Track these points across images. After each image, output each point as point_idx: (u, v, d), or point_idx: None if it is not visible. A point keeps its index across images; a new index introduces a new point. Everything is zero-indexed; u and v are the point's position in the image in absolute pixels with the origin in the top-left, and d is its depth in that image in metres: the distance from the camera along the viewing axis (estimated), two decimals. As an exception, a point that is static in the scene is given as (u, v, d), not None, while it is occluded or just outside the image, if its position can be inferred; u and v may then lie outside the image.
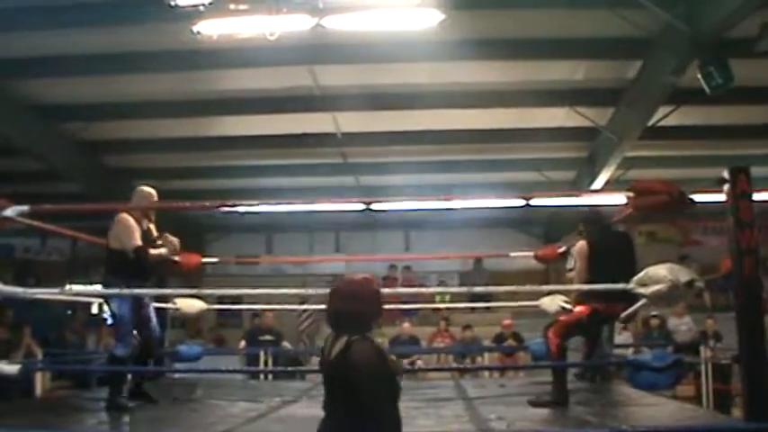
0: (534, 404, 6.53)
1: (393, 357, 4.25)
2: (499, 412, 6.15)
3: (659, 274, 5.34)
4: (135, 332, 7.07)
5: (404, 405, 6.08)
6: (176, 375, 10.02)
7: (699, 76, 9.33)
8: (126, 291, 6.69)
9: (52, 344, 12.69)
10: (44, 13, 9.22)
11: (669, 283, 5.24)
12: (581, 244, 7.02)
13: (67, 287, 12.70)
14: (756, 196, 4.69)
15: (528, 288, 7.92)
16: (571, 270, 7.37)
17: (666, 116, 12.09)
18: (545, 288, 8.35)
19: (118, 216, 7.05)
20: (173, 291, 8.60)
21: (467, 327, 15.24)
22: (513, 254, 11.04)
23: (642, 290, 5.49)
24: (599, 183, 14.67)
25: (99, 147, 14.66)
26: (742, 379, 4.64)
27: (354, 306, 3.98)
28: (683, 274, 5.29)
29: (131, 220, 6.99)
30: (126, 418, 6.64)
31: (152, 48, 10.33)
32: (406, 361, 14.05)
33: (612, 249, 6.86)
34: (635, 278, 5.56)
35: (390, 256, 18.16)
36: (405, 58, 10.56)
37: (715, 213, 5.05)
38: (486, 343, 14.76)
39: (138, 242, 6.86)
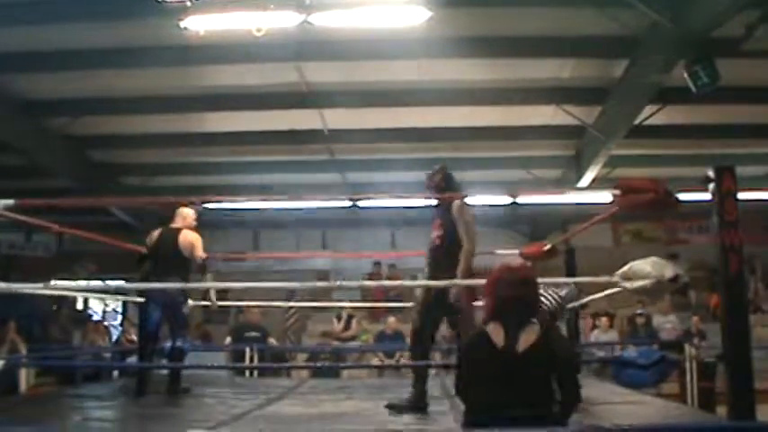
0: (392, 408, 6.21)
1: None
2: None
3: (644, 270, 5.35)
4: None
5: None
6: (163, 372, 9.98)
7: (685, 75, 9.36)
8: (112, 285, 6.72)
9: (37, 339, 12.63)
10: (28, 8, 9.17)
11: (654, 280, 5.26)
12: (458, 202, 6.57)
13: (53, 282, 12.63)
14: (741, 195, 4.71)
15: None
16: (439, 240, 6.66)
17: (653, 115, 12.15)
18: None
19: (187, 230, 8.31)
20: (158, 285, 8.55)
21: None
22: (498, 251, 11.05)
23: (627, 284, 5.50)
24: (585, 181, 14.72)
25: (85, 142, 14.61)
26: (726, 377, 4.66)
27: (531, 291, 4.05)
28: (668, 270, 5.30)
29: None
30: (111, 415, 6.63)
31: (139, 43, 10.28)
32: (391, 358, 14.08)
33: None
34: (619, 272, 5.57)
35: (377, 254, 18.14)
36: (392, 55, 10.56)
37: (701, 212, 5.07)
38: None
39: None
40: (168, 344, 8.36)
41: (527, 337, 3.86)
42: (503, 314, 3.92)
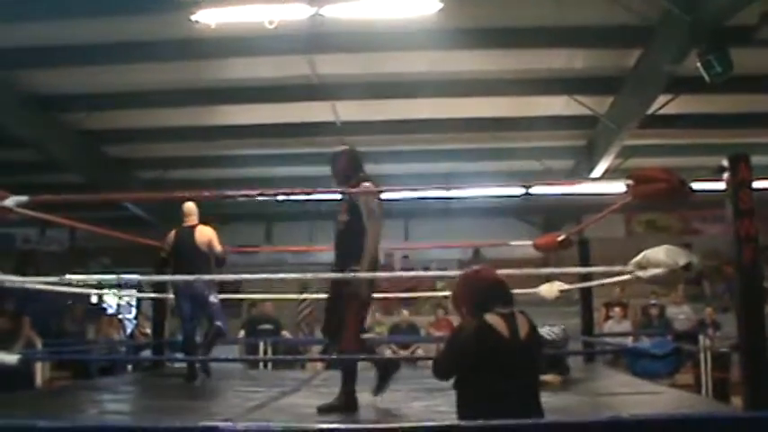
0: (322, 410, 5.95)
1: None
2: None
3: (658, 258, 5.34)
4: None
5: (401, 394, 6.11)
6: (176, 365, 10.04)
7: (698, 64, 9.32)
8: (126, 277, 6.79)
9: (52, 334, 12.70)
10: (44, 3, 9.20)
11: (667, 268, 5.25)
12: (363, 186, 6.24)
13: (67, 277, 12.69)
14: (756, 185, 4.69)
15: (526, 271, 7.75)
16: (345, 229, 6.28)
17: (666, 104, 12.09)
18: (544, 271, 8.30)
19: (202, 226, 8.71)
20: (171, 278, 8.65)
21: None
22: (512, 242, 11.04)
23: (641, 273, 5.49)
24: (598, 171, 14.68)
25: (100, 137, 14.65)
26: (742, 368, 4.65)
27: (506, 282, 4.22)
28: (681, 257, 5.28)
29: None
30: (127, 408, 6.66)
31: (151, 37, 10.31)
32: (405, 350, 14.11)
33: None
34: (633, 260, 5.56)
35: (390, 246, 18.14)
36: (403, 46, 10.56)
37: (715, 202, 5.04)
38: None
39: None
40: (180, 337, 8.59)
41: (522, 325, 4.00)
42: (495, 304, 4.00)
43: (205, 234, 8.63)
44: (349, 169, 6.43)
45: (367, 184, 6.24)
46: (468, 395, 3.98)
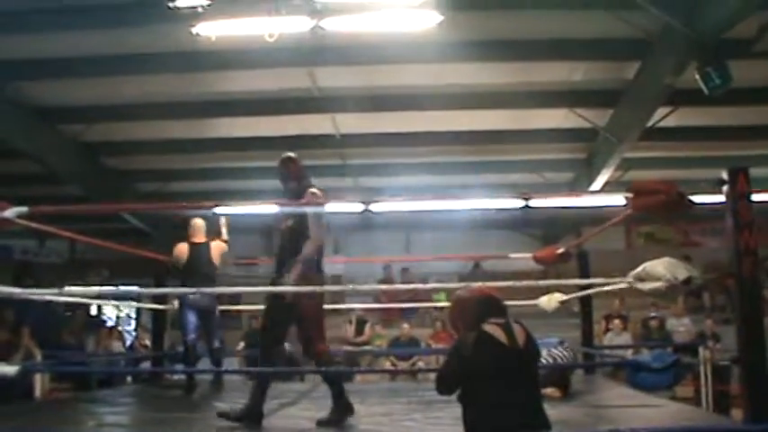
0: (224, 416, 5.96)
1: None
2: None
3: (657, 272, 5.33)
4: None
5: (402, 406, 6.10)
6: (175, 377, 10.02)
7: (697, 77, 9.33)
8: (125, 290, 6.77)
9: (51, 345, 12.68)
10: (44, 15, 9.22)
11: (667, 283, 5.24)
12: (310, 192, 6.09)
13: (67, 288, 12.68)
14: (755, 197, 4.69)
15: (526, 283, 7.73)
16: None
17: (665, 117, 12.10)
18: (543, 283, 8.27)
19: (213, 243, 8.84)
20: (172, 290, 8.64)
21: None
22: (512, 255, 11.03)
23: (640, 285, 5.49)
24: (598, 184, 14.68)
25: (99, 149, 14.66)
26: (742, 380, 4.64)
27: None
28: (681, 272, 5.27)
29: None
30: (126, 420, 6.64)
31: (151, 50, 10.33)
32: (405, 363, 14.08)
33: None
34: (632, 273, 5.56)
35: (390, 258, 18.15)
36: (403, 59, 10.57)
37: (715, 214, 5.05)
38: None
39: None
40: (180, 348, 8.59)
41: (520, 333, 4.02)
42: (490, 316, 4.04)
43: (219, 249, 8.86)
44: (299, 175, 6.32)
45: (314, 190, 6.15)
46: (475, 407, 3.98)
